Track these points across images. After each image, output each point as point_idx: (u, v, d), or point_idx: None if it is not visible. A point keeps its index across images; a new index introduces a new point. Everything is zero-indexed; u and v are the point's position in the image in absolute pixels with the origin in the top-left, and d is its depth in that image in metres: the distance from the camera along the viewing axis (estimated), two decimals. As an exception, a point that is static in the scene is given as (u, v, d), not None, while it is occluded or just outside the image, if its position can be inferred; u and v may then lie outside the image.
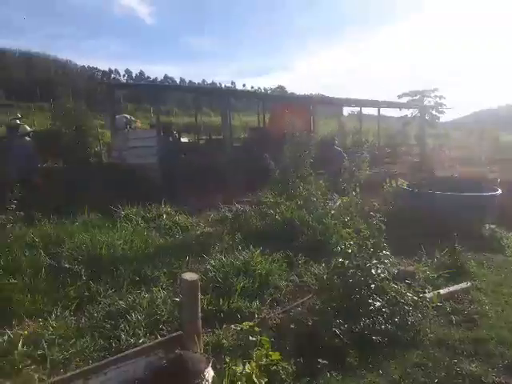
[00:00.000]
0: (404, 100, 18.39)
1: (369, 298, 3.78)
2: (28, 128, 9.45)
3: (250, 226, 6.58)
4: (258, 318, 3.85)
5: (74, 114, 15.37)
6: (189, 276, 2.79)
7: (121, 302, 3.94)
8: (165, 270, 4.92)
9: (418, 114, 18.78)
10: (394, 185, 8.36)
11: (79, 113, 15.53)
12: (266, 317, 3.92)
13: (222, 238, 6.10)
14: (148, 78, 72.27)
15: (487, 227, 6.69)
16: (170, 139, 12.68)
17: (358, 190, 7.96)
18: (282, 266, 4.95)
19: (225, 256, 4.96)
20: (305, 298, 4.35)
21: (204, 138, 17.74)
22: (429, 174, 14.42)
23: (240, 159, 11.82)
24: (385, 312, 3.71)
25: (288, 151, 7.90)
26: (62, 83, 43.28)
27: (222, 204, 8.60)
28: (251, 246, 5.19)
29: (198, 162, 11.95)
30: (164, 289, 4.51)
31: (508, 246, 6.42)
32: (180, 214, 7.49)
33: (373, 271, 3.81)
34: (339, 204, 7.38)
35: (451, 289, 4.61)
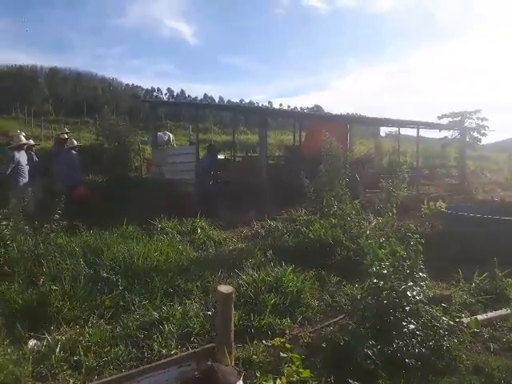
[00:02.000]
0: (444, 121, 18.12)
1: (403, 321, 3.69)
2: (75, 142, 9.94)
3: (282, 242, 6.59)
4: (289, 335, 3.83)
5: (117, 130, 16.09)
6: (224, 288, 2.83)
7: (154, 313, 4.03)
8: (198, 284, 4.99)
9: (459, 136, 18.40)
10: (433, 206, 8.13)
11: (122, 129, 16.23)
12: (298, 334, 3.89)
13: (254, 254, 6.13)
14: (188, 96, 74.22)
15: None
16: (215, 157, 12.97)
17: (394, 210, 7.87)
18: (314, 285, 4.93)
19: (257, 272, 4.98)
20: (337, 318, 4.30)
21: (240, 155, 18.02)
22: (468, 197, 14.02)
23: (275, 176, 11.90)
24: (419, 335, 3.61)
25: (324, 169, 7.90)
26: (107, 100, 45.25)
27: (255, 220, 8.67)
28: (283, 263, 5.19)
29: (233, 178, 12.14)
30: (196, 302, 4.58)
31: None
32: (214, 228, 7.61)
33: (408, 293, 3.73)
34: (375, 224, 7.29)
35: (489, 315, 4.43)
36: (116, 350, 3.52)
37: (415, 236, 4.07)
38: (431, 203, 8.78)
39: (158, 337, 3.65)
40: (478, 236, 6.55)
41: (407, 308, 3.71)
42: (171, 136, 18.78)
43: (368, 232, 6.87)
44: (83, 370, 3.25)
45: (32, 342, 3.64)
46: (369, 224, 7.21)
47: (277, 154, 22.05)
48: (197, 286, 4.94)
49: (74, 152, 9.43)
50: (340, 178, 7.62)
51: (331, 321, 4.26)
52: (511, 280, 5.40)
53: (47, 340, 3.62)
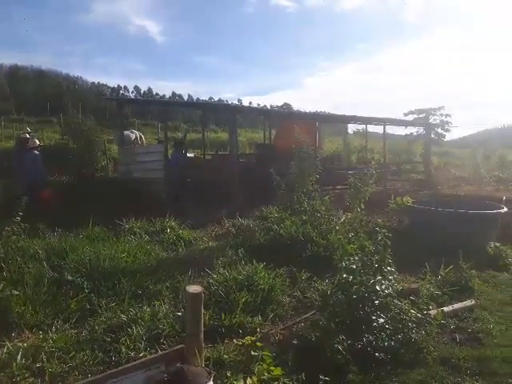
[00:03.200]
0: (410, 118, 18.66)
1: (372, 315, 3.74)
2: (37, 142, 9.58)
3: (253, 240, 6.56)
4: (260, 333, 3.81)
5: (82, 129, 15.61)
6: (193, 289, 2.77)
7: (122, 316, 3.92)
8: (167, 284, 4.89)
9: (424, 132, 18.93)
10: (400, 201, 8.29)
11: (87, 127, 15.76)
12: (269, 332, 3.88)
13: (225, 253, 6.08)
14: (156, 94, 73.20)
15: (492, 245, 6.62)
16: (184, 154, 12.87)
17: (362, 206, 7.98)
18: (285, 282, 4.92)
19: (228, 271, 4.93)
20: (308, 314, 4.31)
21: (210, 153, 17.87)
22: (433, 192, 14.42)
23: (245, 174, 11.85)
24: (388, 329, 3.66)
25: (294, 167, 7.92)
26: (72, 99, 43.95)
27: (226, 219, 8.60)
28: (254, 261, 5.16)
29: (203, 176, 12.01)
30: (166, 303, 4.49)
31: (512, 265, 6.33)
32: (184, 228, 7.50)
33: (377, 287, 3.77)
34: (344, 220, 7.37)
35: (455, 306, 4.55)
36: (81, 354, 3.40)
37: (383, 231, 4.12)
38: (398, 198, 8.99)
39: (125, 340, 3.54)
40: (443, 229, 6.73)
41: (376, 302, 3.75)
42: (139, 134, 18.39)
43: (337, 228, 6.95)
44: (46, 377, 3.11)
45: (-9, 350, 3.46)
46: (338, 220, 7.28)
47: (248, 152, 22.03)
48: (166, 287, 4.85)
49: (36, 152, 9.09)
50: (310, 175, 7.66)
51: (302, 317, 4.26)
52: (475, 271, 5.60)
53: (7, 347, 3.45)
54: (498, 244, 6.61)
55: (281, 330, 3.98)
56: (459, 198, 10.17)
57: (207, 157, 16.65)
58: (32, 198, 7.37)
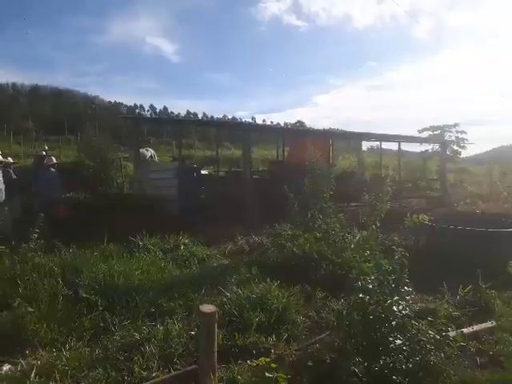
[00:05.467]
0: (425, 135, 18.55)
1: (389, 336, 3.64)
2: (54, 159, 9.77)
3: (267, 258, 6.52)
4: (274, 354, 3.74)
5: (99, 147, 15.92)
6: (207, 308, 2.74)
7: (135, 334, 3.90)
8: (180, 302, 4.87)
9: (439, 149, 18.81)
10: (416, 219, 8.17)
11: (103, 146, 16.07)
12: (283, 353, 3.80)
13: (239, 270, 6.04)
14: (171, 112, 74.23)
15: (512, 264, 6.43)
16: (192, 173, 12.81)
17: (378, 223, 7.88)
18: (299, 301, 4.85)
19: (241, 289, 4.89)
20: (323, 335, 4.22)
21: (224, 170, 17.98)
22: (449, 209, 14.19)
23: (259, 191, 11.86)
24: (405, 350, 3.55)
25: (308, 184, 7.89)
26: (89, 118, 44.87)
27: (239, 236, 8.58)
28: (268, 279, 5.10)
29: (217, 193, 12.06)
30: (179, 321, 4.45)
31: (536, 286, 6.14)
32: (197, 245, 7.50)
33: (394, 308, 3.68)
34: (359, 238, 7.28)
35: (475, 328, 4.41)
36: (94, 373, 3.37)
37: (400, 249, 4.04)
38: (414, 216, 8.85)
39: (138, 359, 3.51)
40: (462, 248, 6.60)
41: (393, 323, 3.66)
42: (153, 152, 18.64)
43: (352, 246, 6.87)
44: (59, 397, 3.10)
45: (6, 368, 3.47)
46: (353, 237, 7.20)
47: (260, 168, 22.11)
48: (179, 305, 4.82)
49: (52, 169, 9.26)
50: (324, 192, 7.61)
51: (317, 338, 4.17)
52: (495, 292, 5.43)
53: (21, 365, 3.46)
54: (518, 263, 6.42)
55: (295, 350, 3.90)
56: (477, 216, 9.99)
57: (221, 173, 16.74)
58: (48, 215, 7.50)
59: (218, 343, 3.70)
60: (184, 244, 7.27)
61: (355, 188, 16.91)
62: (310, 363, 3.51)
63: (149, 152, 19.39)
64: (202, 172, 15.81)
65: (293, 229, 7.77)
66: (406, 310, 3.76)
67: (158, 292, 5.03)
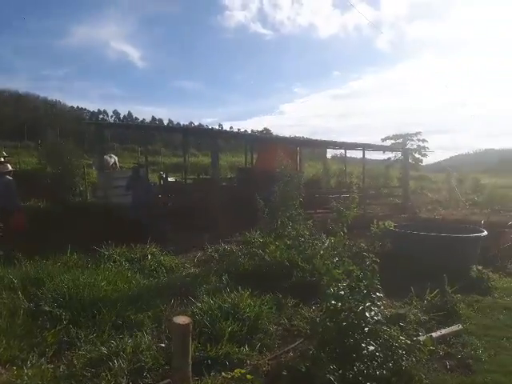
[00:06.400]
0: (387, 143, 19.12)
1: (362, 342, 3.66)
2: (9, 167, 9.30)
3: (237, 266, 6.43)
4: (249, 364, 3.67)
5: (60, 154, 15.34)
6: (181, 320, 2.63)
7: (102, 348, 3.73)
8: (149, 314, 4.72)
9: (401, 157, 19.40)
10: (382, 226, 8.34)
11: (65, 152, 15.50)
12: (257, 363, 3.74)
13: (209, 280, 5.94)
14: (136, 119, 72.95)
15: (474, 268, 6.68)
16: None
17: (345, 230, 7.98)
18: (271, 309, 4.80)
19: (212, 298, 4.79)
20: (296, 343, 4.20)
21: (191, 177, 17.77)
22: (412, 216, 14.61)
23: (227, 198, 11.79)
24: (378, 356, 3.58)
25: (277, 190, 7.90)
26: (50, 123, 43.33)
27: (208, 244, 8.47)
28: (239, 288, 5.03)
29: (184, 201, 11.89)
30: (148, 333, 4.31)
31: (495, 288, 6.39)
32: (165, 254, 7.32)
33: (366, 314, 3.71)
34: (328, 244, 7.34)
35: (443, 332, 4.52)
36: (59, 392, 3.19)
37: (371, 256, 4.09)
38: (380, 222, 9.03)
39: (106, 375, 3.35)
40: (427, 253, 6.77)
41: (366, 329, 3.68)
42: (116, 159, 18.21)
43: (322, 252, 6.91)
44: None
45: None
46: (322, 244, 7.25)
47: (229, 176, 22.03)
48: (148, 317, 4.67)
49: (8, 177, 8.80)
50: (294, 199, 7.64)
51: (290, 346, 4.15)
52: (460, 296, 5.60)
53: (-22, 386, 3.23)
54: (480, 267, 6.67)
55: (269, 360, 3.85)
56: (439, 222, 10.33)
57: (188, 181, 16.54)
58: (5, 225, 7.13)
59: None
60: (151, 253, 7.07)
61: (322, 195, 17.17)
62: (284, 372, 3.47)
63: (112, 159, 18.92)
64: (169, 179, 15.58)
65: (263, 236, 7.75)
66: (378, 315, 3.79)
67: (125, 303, 4.84)
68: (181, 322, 2.58)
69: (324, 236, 7.80)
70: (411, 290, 5.57)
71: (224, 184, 15.41)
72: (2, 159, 9.44)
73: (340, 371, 3.31)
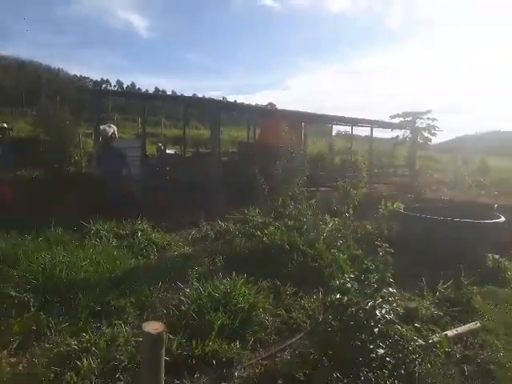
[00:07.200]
0: (396, 121, 18.25)
1: (371, 344, 3.17)
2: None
3: (233, 247, 5.93)
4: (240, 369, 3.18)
5: (57, 121, 14.71)
6: (151, 327, 2.10)
7: (72, 343, 3.24)
8: (132, 300, 4.24)
9: (410, 135, 18.62)
10: (391, 207, 7.80)
11: (63, 119, 14.87)
12: (249, 363, 3.27)
13: (202, 261, 5.46)
14: (139, 89, 71.46)
15: (490, 257, 6.15)
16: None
17: (351, 211, 7.44)
18: (268, 298, 4.30)
19: (203, 284, 4.29)
20: (294, 339, 3.72)
21: (191, 150, 17.15)
22: (418, 196, 14.05)
23: (227, 174, 11.23)
24: (389, 362, 3.09)
25: (280, 167, 7.30)
26: (50, 91, 42.35)
27: (205, 221, 7.98)
28: (234, 273, 4.53)
29: (182, 174, 11.33)
30: (129, 322, 3.86)
31: (512, 279, 5.88)
32: (157, 231, 6.83)
33: (377, 312, 3.21)
34: (331, 225, 6.81)
35: (459, 330, 4.02)
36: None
37: (384, 245, 3.55)
38: (389, 203, 8.45)
39: (71, 376, 2.88)
40: (439, 239, 6.25)
41: (376, 330, 3.19)
42: (115, 128, 17.57)
43: (325, 234, 6.40)
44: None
45: None
46: (326, 225, 6.73)
47: (230, 150, 21.39)
48: (131, 303, 4.20)
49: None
50: (298, 177, 7.06)
51: (287, 342, 3.67)
52: (476, 288, 5.10)
53: None
54: (496, 256, 6.14)
55: (263, 359, 3.38)
56: (451, 205, 9.76)
57: (187, 154, 15.94)
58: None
59: (171, 353, 3.15)
60: (142, 230, 6.57)
61: (326, 172, 16.59)
62: (280, 382, 2.98)
63: (111, 128, 18.29)
64: (168, 151, 14.99)
65: (262, 215, 7.22)
66: (390, 314, 3.29)
67: (107, 287, 4.38)
68: (151, 331, 2.05)
69: (327, 216, 7.28)
70: (422, 279, 5.08)
71: (224, 159, 14.80)
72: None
73: (345, 381, 2.82)
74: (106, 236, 6.18)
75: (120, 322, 3.75)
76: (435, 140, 18.44)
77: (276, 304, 4.35)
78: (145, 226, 6.75)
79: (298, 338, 3.74)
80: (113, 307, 4.08)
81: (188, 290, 4.20)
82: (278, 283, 4.74)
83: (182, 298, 4.01)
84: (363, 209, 7.95)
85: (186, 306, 3.85)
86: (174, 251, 6.24)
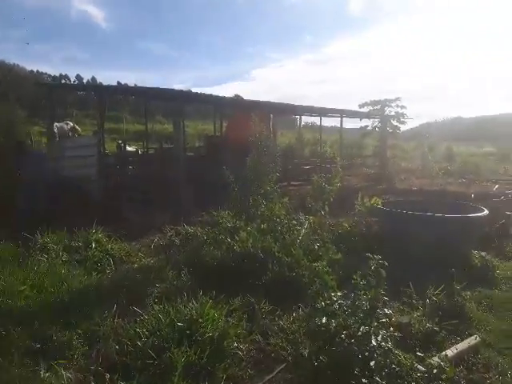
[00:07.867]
0: (365, 110, 17.95)
1: (366, 378, 2.64)
2: None
3: (200, 258, 5.28)
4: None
5: (6, 119, 13.61)
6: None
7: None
8: (79, 331, 3.56)
9: (379, 125, 18.37)
10: (368, 204, 7.32)
11: (12, 118, 13.80)
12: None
13: (165, 275, 4.80)
14: (100, 83, 68.94)
15: (477, 255, 5.78)
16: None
17: (327, 208, 6.93)
18: (240, 321, 3.70)
19: (164, 307, 3.64)
20: (274, 373, 3.14)
21: (154, 147, 16.25)
22: (388, 187, 13.81)
23: (194, 170, 10.53)
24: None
25: (250, 162, 6.67)
26: (3, 87, 39.95)
27: (168, 225, 7.28)
28: (201, 292, 3.90)
29: (143, 173, 10.55)
30: (75, 361, 3.19)
31: (502, 278, 5.53)
32: (115, 239, 6.09)
33: (373, 341, 2.68)
34: (307, 226, 6.29)
35: (459, 348, 3.55)
36: None
37: (376, 257, 3.01)
38: (366, 199, 7.98)
39: None
40: (419, 236, 5.82)
41: (372, 363, 2.66)
42: (72, 126, 16.46)
43: (301, 237, 5.87)
44: None
45: None
46: (301, 226, 6.18)
47: (197, 145, 20.59)
48: (78, 335, 3.51)
49: None
50: (270, 173, 6.48)
51: (266, 378, 3.09)
52: (468, 292, 4.68)
53: None
54: (483, 253, 5.78)
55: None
56: (430, 197, 9.46)
57: (150, 151, 15.05)
58: None
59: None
60: (96, 240, 5.81)
61: (296, 166, 16.12)
62: None
63: (68, 126, 17.17)
64: (128, 149, 14.09)
65: (233, 217, 6.59)
66: (387, 341, 2.77)
67: (49, 316, 3.68)
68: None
69: (302, 215, 6.73)
70: (409, 283, 4.61)
71: (190, 154, 14.06)
72: None
73: None
74: (54, 250, 5.40)
75: (65, 361, 3.09)
76: (403, 128, 18.18)
77: (251, 327, 3.74)
78: (99, 236, 5.99)
79: (278, 370, 3.16)
80: (55, 343, 3.39)
81: (147, 317, 3.56)
82: (252, 300, 4.14)
83: (138, 328, 3.35)
84: (337, 203, 7.46)
85: (144, 339, 3.20)
86: (134, 263, 5.54)
